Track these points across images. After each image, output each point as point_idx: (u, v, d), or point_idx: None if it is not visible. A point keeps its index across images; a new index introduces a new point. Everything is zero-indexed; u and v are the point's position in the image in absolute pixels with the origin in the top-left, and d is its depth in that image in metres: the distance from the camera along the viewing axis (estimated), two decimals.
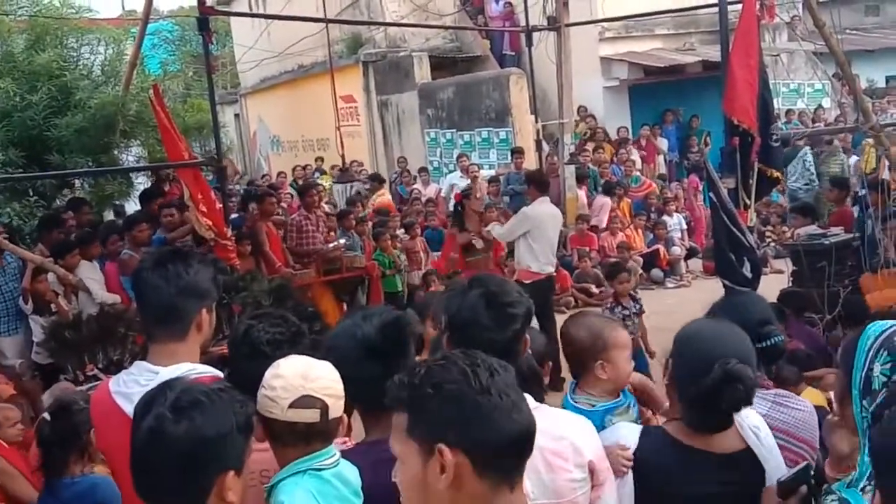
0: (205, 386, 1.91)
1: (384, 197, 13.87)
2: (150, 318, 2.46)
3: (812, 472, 2.45)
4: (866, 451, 1.84)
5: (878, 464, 1.42)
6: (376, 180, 14.36)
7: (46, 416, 3.86)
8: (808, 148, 14.21)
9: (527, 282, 7.84)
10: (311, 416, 2.06)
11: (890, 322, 2.04)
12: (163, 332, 2.42)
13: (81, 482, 3.63)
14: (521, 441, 1.59)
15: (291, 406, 2.05)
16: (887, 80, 19.59)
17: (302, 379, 2.08)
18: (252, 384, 2.12)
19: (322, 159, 18.25)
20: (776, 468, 2.45)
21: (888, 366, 1.94)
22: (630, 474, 2.41)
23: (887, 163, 7.83)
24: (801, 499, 2.31)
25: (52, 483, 3.72)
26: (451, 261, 10.56)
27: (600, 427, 2.53)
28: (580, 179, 13.43)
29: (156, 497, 1.82)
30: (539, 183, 8.59)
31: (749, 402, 2.39)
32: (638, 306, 7.57)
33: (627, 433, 2.51)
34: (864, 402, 1.96)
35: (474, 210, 10.56)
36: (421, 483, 1.57)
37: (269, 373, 2.10)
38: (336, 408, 2.11)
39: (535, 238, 8.31)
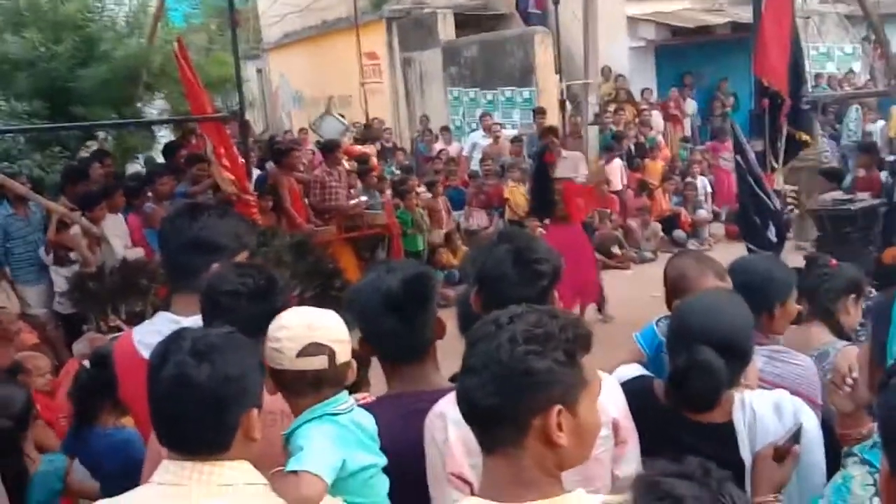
0: (216, 329, 1.93)
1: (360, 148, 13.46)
2: (171, 269, 2.48)
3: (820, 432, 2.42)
4: None
5: (884, 431, 1.40)
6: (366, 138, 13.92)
7: (86, 363, 3.88)
8: (857, 106, 13.96)
9: None
10: (320, 363, 2.07)
11: None
12: (184, 284, 2.44)
13: (115, 434, 3.64)
14: None
15: (299, 355, 2.06)
16: None
17: (306, 328, 2.09)
18: None
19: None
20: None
21: None
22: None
23: None
24: (795, 458, 2.28)
25: (83, 432, 3.74)
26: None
27: None
28: (609, 149, 13.21)
29: (184, 444, 1.84)
30: None
31: (717, 392, 2.29)
32: None
33: (615, 379, 2.43)
34: None
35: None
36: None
37: (272, 325, 2.11)
38: (343, 352, 2.12)
39: None
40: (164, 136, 11.68)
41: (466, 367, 1.61)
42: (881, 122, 13.83)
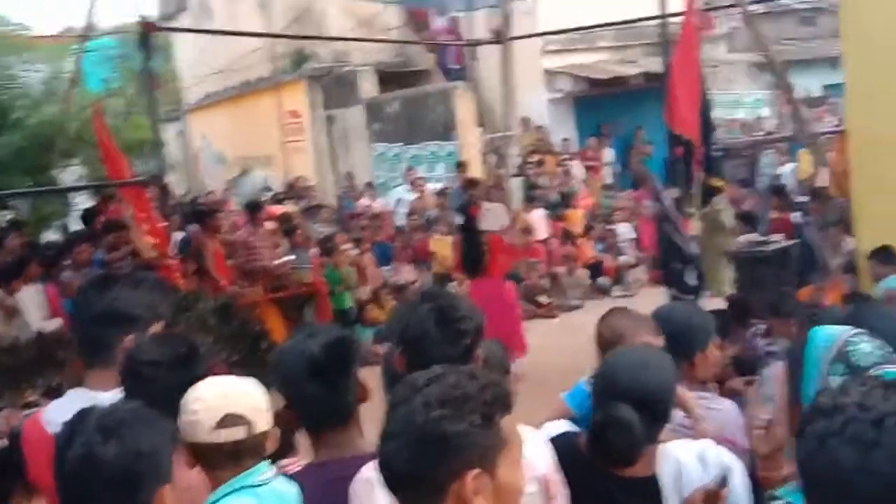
0: (124, 404, 1.87)
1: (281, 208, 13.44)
2: (84, 343, 2.43)
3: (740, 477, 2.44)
4: None
5: (804, 478, 1.43)
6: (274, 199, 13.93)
7: (3, 441, 3.72)
8: (770, 151, 14.44)
9: None
10: (237, 434, 2.04)
11: (835, 329, 2.06)
12: (98, 358, 2.38)
13: None
14: None
15: (216, 427, 2.03)
16: (824, 89, 20.09)
17: (222, 398, 2.06)
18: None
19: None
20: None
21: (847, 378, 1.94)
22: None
23: (825, 170, 8.01)
24: (723, 502, 2.30)
25: None
26: None
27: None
28: (532, 200, 13.42)
29: None
30: None
31: (634, 448, 2.29)
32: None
33: (543, 435, 2.44)
34: None
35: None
36: None
37: (187, 397, 2.07)
38: (262, 422, 2.09)
39: None
40: (82, 202, 11.45)
41: (385, 432, 1.60)
42: (791, 165, 14.35)
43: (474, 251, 8.65)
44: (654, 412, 2.33)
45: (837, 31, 8.07)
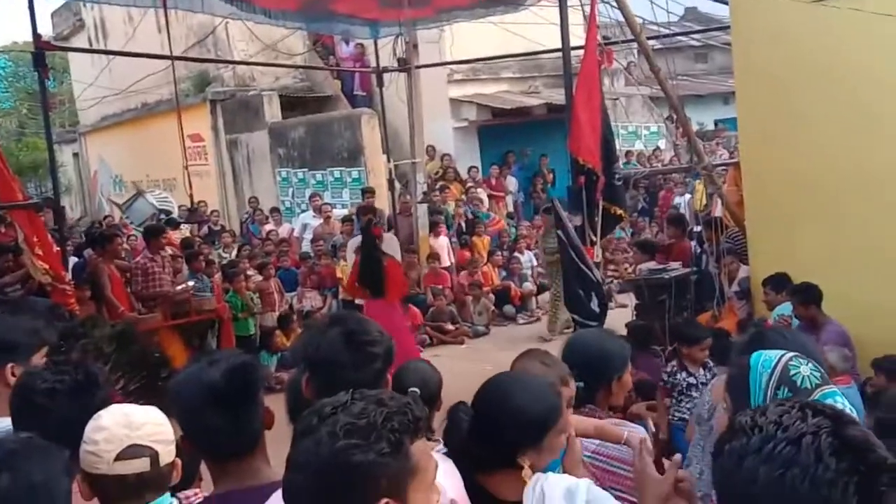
0: (14, 436, 1.79)
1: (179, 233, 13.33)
2: None
3: None
4: None
5: (719, 497, 1.45)
6: (171, 224, 13.70)
7: None
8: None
9: None
10: (141, 465, 1.97)
11: (771, 353, 2.12)
12: None
13: None
14: None
15: (118, 458, 1.94)
16: (716, 123, 20.88)
17: (125, 428, 1.98)
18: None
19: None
20: None
21: None
22: None
23: (719, 201, 8.31)
24: None
25: None
26: None
27: None
28: (436, 224, 13.46)
29: None
30: None
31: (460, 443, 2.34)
32: (709, 376, 5.51)
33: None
34: None
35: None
36: None
37: (89, 427, 1.98)
38: (167, 453, 2.02)
39: None
40: None
41: (291, 463, 1.56)
42: (687, 196, 14.83)
43: (374, 272, 8.71)
44: (512, 436, 2.29)
45: (730, 67, 8.43)
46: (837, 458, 1.29)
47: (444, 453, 2.42)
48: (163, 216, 14.49)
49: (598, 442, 2.88)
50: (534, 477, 2.33)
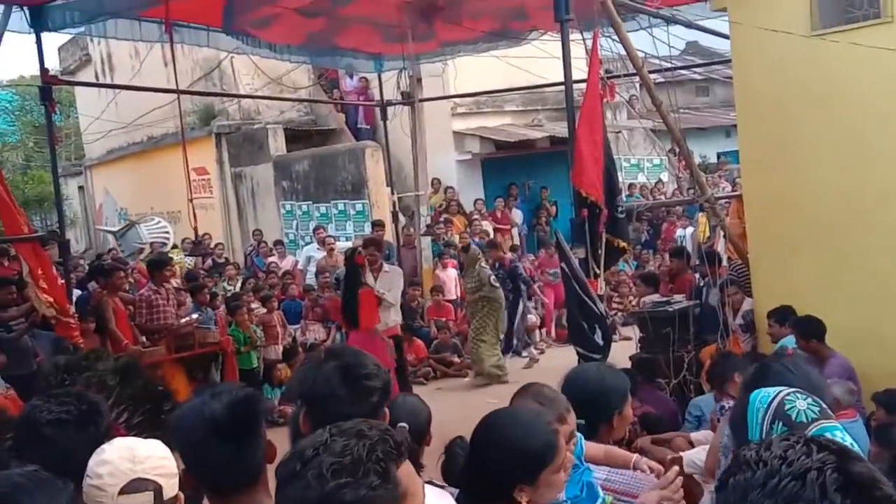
0: (18, 470, 1.79)
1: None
2: None
3: None
4: None
5: None
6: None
7: None
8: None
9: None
10: (145, 499, 1.96)
11: (769, 389, 2.12)
12: None
13: None
14: None
15: (122, 492, 1.94)
16: (718, 155, 20.98)
17: (129, 461, 1.97)
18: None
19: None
20: None
21: None
22: None
23: (722, 233, 8.31)
24: None
25: None
26: None
27: None
28: (442, 256, 13.47)
29: None
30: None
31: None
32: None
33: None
34: None
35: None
36: None
37: (92, 460, 1.98)
38: (170, 487, 2.01)
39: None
40: None
41: None
42: (690, 228, 14.83)
43: (347, 301, 8.81)
44: (507, 472, 2.31)
45: (731, 100, 8.48)
46: (843, 495, 1.28)
47: (442, 486, 2.43)
48: (163, 246, 14.48)
49: (607, 470, 2.87)
50: None
